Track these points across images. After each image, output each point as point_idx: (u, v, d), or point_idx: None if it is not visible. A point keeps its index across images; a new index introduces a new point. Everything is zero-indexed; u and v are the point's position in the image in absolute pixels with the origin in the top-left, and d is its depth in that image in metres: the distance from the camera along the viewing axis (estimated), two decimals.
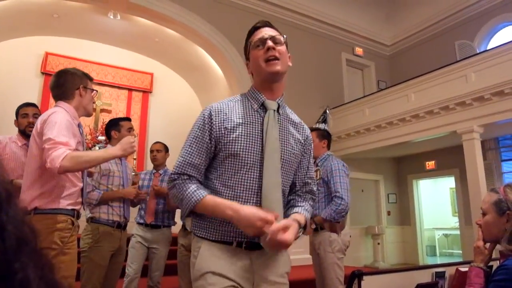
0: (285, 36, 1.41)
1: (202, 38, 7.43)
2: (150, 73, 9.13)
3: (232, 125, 1.32)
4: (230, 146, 1.30)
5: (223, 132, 1.31)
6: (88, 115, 2.21)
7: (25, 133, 2.71)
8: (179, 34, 7.57)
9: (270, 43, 1.34)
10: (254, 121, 1.35)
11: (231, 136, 1.30)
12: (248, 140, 1.32)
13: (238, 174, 1.30)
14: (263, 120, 1.36)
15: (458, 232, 9.06)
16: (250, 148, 1.31)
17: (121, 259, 2.84)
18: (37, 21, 7.46)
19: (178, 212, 3.58)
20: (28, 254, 0.39)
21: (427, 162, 9.06)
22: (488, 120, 5.96)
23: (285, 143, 1.39)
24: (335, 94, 8.80)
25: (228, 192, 1.30)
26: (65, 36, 8.15)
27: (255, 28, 1.42)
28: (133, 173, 3.32)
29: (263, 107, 1.38)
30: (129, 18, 7.36)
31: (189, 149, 1.32)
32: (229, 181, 1.31)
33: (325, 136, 3.21)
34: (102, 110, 8.47)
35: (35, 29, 7.75)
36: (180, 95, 9.28)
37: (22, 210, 0.44)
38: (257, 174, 1.30)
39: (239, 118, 1.34)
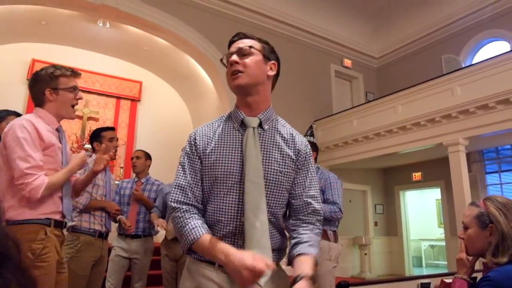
0: (257, 45, 1.34)
1: (191, 47, 7.44)
2: (139, 81, 9.08)
3: (211, 148, 1.29)
4: (210, 171, 1.27)
5: (206, 155, 1.29)
6: (68, 118, 2.04)
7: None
8: (169, 43, 7.57)
9: (233, 57, 1.29)
10: (234, 141, 1.30)
11: (210, 159, 1.27)
12: (227, 162, 1.26)
13: (217, 198, 1.26)
14: (242, 139, 1.29)
15: (443, 243, 9.13)
16: (228, 171, 1.26)
17: (103, 268, 2.79)
18: (25, 28, 7.39)
19: None
20: (12, 270, 0.38)
21: (413, 174, 9.15)
22: (473, 133, 6.06)
23: (269, 161, 1.29)
24: (323, 104, 8.87)
25: (209, 217, 1.27)
26: (53, 43, 8.08)
27: (230, 42, 1.36)
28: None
29: (244, 125, 1.32)
30: (118, 26, 7.34)
31: (182, 175, 1.29)
32: (210, 205, 1.27)
33: (314, 149, 3.30)
34: (90, 118, 8.39)
35: (22, 36, 7.67)
36: (169, 104, 9.25)
37: (4, 224, 0.42)
38: (236, 198, 1.24)
39: (218, 140, 1.30)
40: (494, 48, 8.09)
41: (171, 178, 4.02)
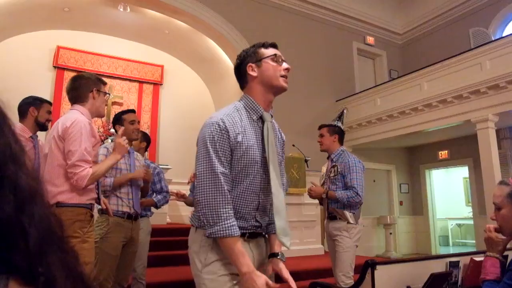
0: None
1: (212, 30, 7.40)
2: (160, 65, 9.14)
3: (242, 137, 1.43)
4: (242, 158, 1.42)
5: (238, 143, 1.41)
6: (100, 116, 2.41)
7: (41, 126, 2.85)
8: (189, 25, 7.55)
9: (287, 65, 1.52)
10: (256, 132, 1.49)
11: (242, 148, 1.42)
12: (255, 150, 1.45)
13: (247, 180, 1.44)
14: (261, 130, 1.50)
15: (471, 222, 8.98)
16: (256, 157, 1.44)
17: (134, 249, 2.85)
18: (48, 15, 7.52)
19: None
20: (54, 252, 0.39)
21: (440, 152, 8.96)
22: (504, 109, 5.85)
23: (276, 147, 1.53)
24: (346, 84, 8.72)
25: (237, 196, 1.44)
26: (76, 30, 8.19)
27: (271, 45, 1.55)
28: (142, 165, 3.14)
29: (261, 119, 1.51)
30: (138, 10, 7.36)
31: (218, 162, 1.38)
32: (239, 186, 1.44)
33: (336, 131, 3.29)
34: (114, 103, 8.52)
35: (46, 23, 7.81)
36: (190, 87, 9.29)
37: (48, 204, 0.43)
38: (259, 180, 1.46)
39: (245, 131, 1.45)
40: None
41: (193, 160, 4.06)
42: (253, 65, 1.51)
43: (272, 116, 1.55)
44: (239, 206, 1.43)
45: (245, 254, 1.34)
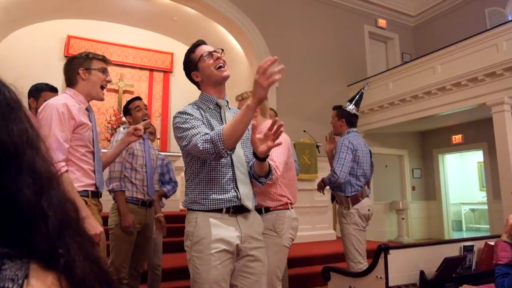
0: (222, 49, 1.81)
1: (221, 16, 7.33)
2: (170, 52, 9.13)
3: (204, 114, 1.70)
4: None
5: (204, 119, 1.68)
6: (97, 99, 2.15)
7: None
8: (198, 12, 7.49)
9: (217, 54, 1.71)
10: (215, 115, 1.75)
11: (208, 125, 1.68)
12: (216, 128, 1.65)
13: None
14: (220, 114, 1.76)
15: (485, 207, 8.88)
16: None
17: (150, 235, 2.91)
18: (57, 5, 7.53)
19: None
20: (72, 236, 0.40)
21: (453, 136, 8.83)
22: None
23: None
24: (357, 68, 8.60)
25: (211, 167, 1.65)
26: (86, 19, 8.21)
27: (195, 46, 1.79)
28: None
29: (217, 106, 1.77)
30: None
31: (199, 124, 1.62)
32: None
33: (343, 115, 3.24)
34: (125, 91, 8.58)
35: (56, 13, 7.83)
36: None
37: (63, 189, 0.44)
38: None
39: (205, 115, 1.71)
40: None
41: None
42: (195, 72, 1.75)
43: (227, 102, 1.81)
44: (217, 178, 1.64)
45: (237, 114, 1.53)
